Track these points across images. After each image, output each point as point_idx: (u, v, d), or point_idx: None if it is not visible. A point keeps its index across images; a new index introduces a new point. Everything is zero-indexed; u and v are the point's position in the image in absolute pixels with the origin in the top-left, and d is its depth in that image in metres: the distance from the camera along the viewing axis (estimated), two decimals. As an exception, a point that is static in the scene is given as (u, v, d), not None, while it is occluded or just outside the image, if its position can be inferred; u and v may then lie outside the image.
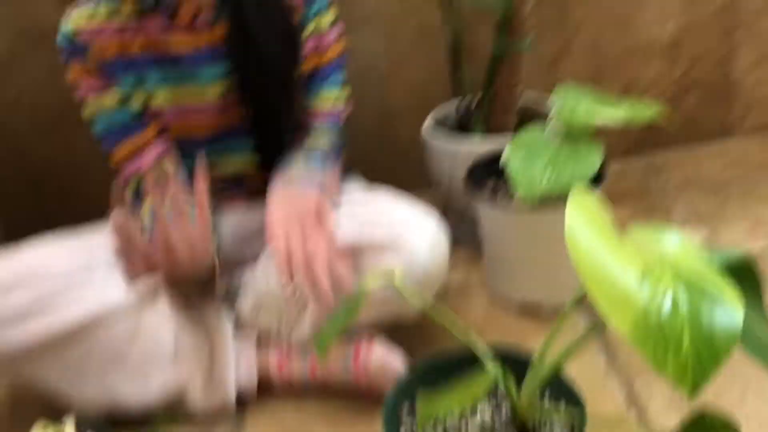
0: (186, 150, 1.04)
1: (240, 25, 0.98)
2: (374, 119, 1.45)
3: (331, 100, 1.06)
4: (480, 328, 1.09)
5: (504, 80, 1.25)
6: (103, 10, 0.98)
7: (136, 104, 1.01)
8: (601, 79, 1.48)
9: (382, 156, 1.48)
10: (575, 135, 0.93)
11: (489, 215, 1.07)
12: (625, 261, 0.51)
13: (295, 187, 0.96)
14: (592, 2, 1.40)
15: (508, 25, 1.20)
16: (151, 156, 1.02)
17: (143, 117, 1.02)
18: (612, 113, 0.92)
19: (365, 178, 1.16)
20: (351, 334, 0.97)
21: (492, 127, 1.30)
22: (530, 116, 1.35)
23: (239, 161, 1.07)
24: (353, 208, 0.99)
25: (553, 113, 0.97)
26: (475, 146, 1.21)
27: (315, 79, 1.05)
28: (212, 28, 0.99)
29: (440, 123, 1.34)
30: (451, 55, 1.30)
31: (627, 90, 1.50)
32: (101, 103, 1.00)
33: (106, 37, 0.98)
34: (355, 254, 0.92)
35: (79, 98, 1.01)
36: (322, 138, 1.05)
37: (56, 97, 1.38)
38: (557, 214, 0.98)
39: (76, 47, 0.98)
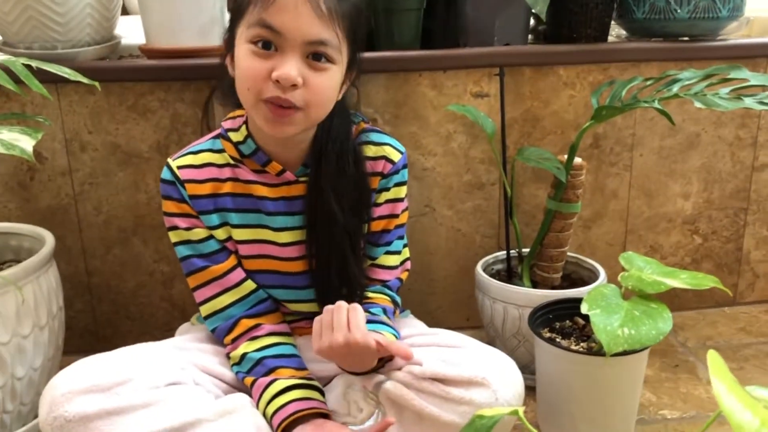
0: (260, 283, 1.13)
1: (317, 188, 1.08)
2: (420, 261, 1.56)
3: (394, 261, 1.16)
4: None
5: (554, 238, 1.39)
6: (206, 154, 1.11)
7: (220, 237, 1.11)
8: (628, 241, 1.64)
9: (421, 297, 1.60)
10: (644, 296, 1.05)
11: (550, 360, 1.16)
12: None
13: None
14: (628, 175, 1.58)
15: (563, 188, 1.35)
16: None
17: (225, 249, 1.11)
18: (677, 281, 1.05)
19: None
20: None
21: (538, 280, 1.43)
22: (569, 272, 1.49)
23: (303, 306, 1.16)
24: (436, 346, 1.08)
25: (620, 277, 1.10)
26: (528, 295, 1.33)
27: (381, 241, 1.15)
28: (294, 184, 1.10)
29: (487, 272, 1.46)
30: (506, 209, 1.44)
31: (650, 253, 1.65)
32: (189, 235, 1.10)
33: (204, 177, 1.09)
34: (443, 383, 1.00)
35: (169, 225, 1.10)
36: (381, 295, 1.15)
37: (130, 214, 1.48)
38: (619, 366, 1.10)
39: (177, 181, 1.08)
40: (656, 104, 1.19)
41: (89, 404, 0.91)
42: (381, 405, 1.04)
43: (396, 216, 1.15)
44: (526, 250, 1.47)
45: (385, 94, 1.46)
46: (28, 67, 1.17)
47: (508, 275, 1.47)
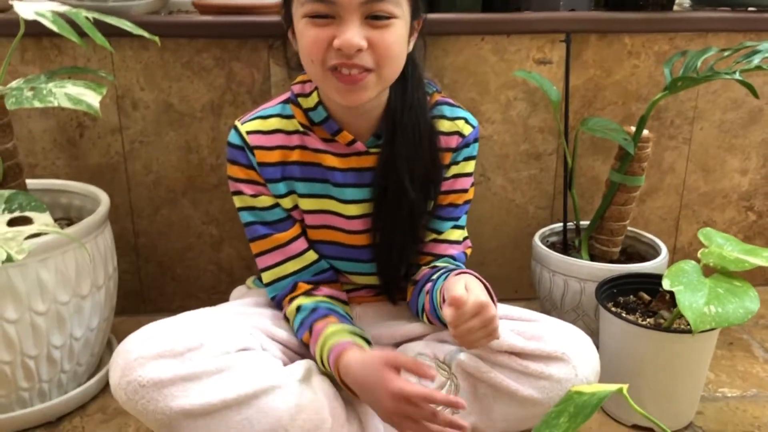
0: (322, 253, 1.10)
1: (391, 160, 1.03)
2: (472, 231, 1.53)
3: (459, 236, 1.13)
4: (600, 444, 1.14)
5: (615, 211, 1.36)
6: (275, 120, 1.06)
7: (286, 206, 1.07)
8: (682, 216, 1.61)
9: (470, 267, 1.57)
10: (726, 274, 1.03)
11: (617, 334, 1.14)
12: None
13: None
14: (686, 149, 1.55)
15: (629, 160, 1.31)
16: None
17: (290, 217, 1.08)
18: (760, 259, 1.02)
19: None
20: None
21: (596, 253, 1.40)
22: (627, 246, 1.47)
23: (364, 278, 1.13)
24: (509, 319, 1.05)
25: (700, 253, 1.07)
26: (591, 269, 1.30)
27: (449, 215, 1.12)
28: (363, 155, 1.06)
29: (545, 243, 1.44)
30: (565, 180, 1.41)
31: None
32: (254, 202, 1.06)
33: (273, 144, 1.05)
34: (520, 357, 0.98)
35: (234, 190, 1.06)
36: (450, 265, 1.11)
37: (180, 175, 1.45)
38: (690, 343, 1.08)
39: (246, 147, 1.04)
40: (737, 76, 1.15)
41: (163, 370, 0.90)
42: (453, 376, 1.02)
43: (465, 191, 1.12)
44: (582, 223, 1.44)
45: (445, 58, 1.41)
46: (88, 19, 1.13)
47: (564, 248, 1.44)
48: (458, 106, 1.11)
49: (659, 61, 1.47)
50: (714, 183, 1.59)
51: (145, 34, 1.16)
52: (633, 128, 1.31)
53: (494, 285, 1.44)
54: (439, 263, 1.12)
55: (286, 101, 1.08)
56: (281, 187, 1.07)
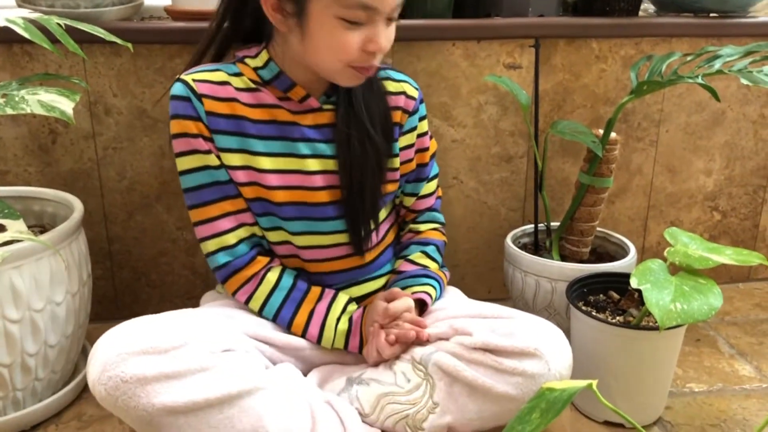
0: (289, 215, 1.10)
1: (351, 111, 1.10)
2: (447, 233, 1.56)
3: (433, 186, 1.26)
4: (572, 440, 1.17)
5: (585, 212, 1.39)
6: (222, 73, 1.07)
7: (232, 162, 1.06)
8: (650, 216, 1.65)
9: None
10: (691, 272, 1.06)
11: (587, 332, 1.17)
12: None
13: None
14: (653, 151, 1.59)
15: (597, 162, 1.34)
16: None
17: (231, 185, 1.07)
18: (724, 257, 1.06)
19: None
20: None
21: (567, 254, 1.43)
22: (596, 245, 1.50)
23: (330, 237, 1.14)
24: (482, 317, 1.08)
25: (666, 252, 1.10)
26: (562, 269, 1.33)
27: (423, 174, 1.23)
28: (318, 112, 1.10)
29: (516, 244, 1.46)
30: (536, 182, 1.44)
31: (670, 229, 1.66)
32: (209, 160, 1.06)
33: (222, 94, 1.05)
34: (494, 354, 1.00)
35: (184, 149, 1.05)
36: (432, 224, 1.27)
37: (154, 180, 1.45)
38: (658, 339, 1.11)
39: (194, 95, 1.03)
40: (700, 80, 1.18)
41: (147, 366, 0.90)
42: (429, 376, 1.04)
43: (427, 148, 1.22)
44: (553, 224, 1.47)
45: (417, 63, 1.43)
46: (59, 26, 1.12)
47: (535, 249, 1.47)
48: (401, 72, 1.20)
49: (626, 65, 1.50)
50: (680, 184, 1.63)
51: (118, 41, 1.16)
52: (601, 131, 1.34)
53: (468, 285, 1.48)
54: (420, 224, 1.26)
55: (230, 63, 1.09)
56: (232, 141, 1.06)
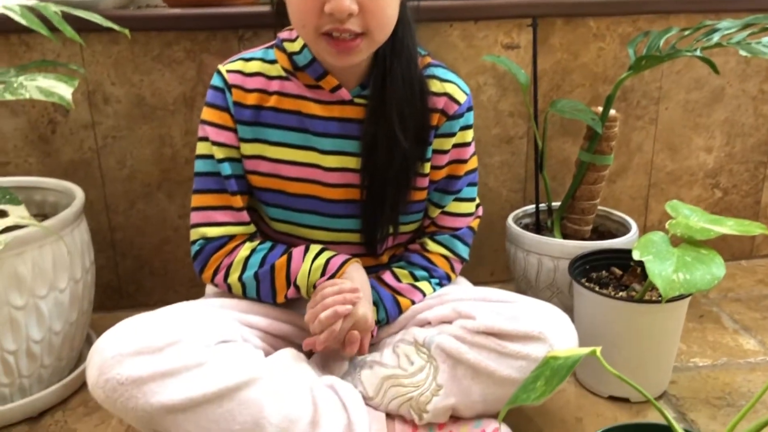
0: (302, 208, 1.09)
1: (381, 110, 1.03)
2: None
3: (466, 209, 1.16)
4: (576, 414, 1.17)
5: (586, 190, 1.39)
6: (257, 63, 1.07)
7: (246, 152, 1.06)
8: (651, 194, 1.65)
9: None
10: (693, 243, 1.06)
11: (590, 308, 1.17)
12: None
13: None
14: (653, 129, 1.58)
15: (597, 140, 1.34)
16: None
17: (232, 181, 1.07)
18: (725, 228, 1.06)
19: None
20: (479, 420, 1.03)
21: (568, 232, 1.43)
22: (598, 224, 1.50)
23: (341, 235, 1.12)
24: (486, 301, 1.07)
25: (668, 224, 1.10)
26: (564, 246, 1.33)
27: (451, 188, 1.14)
28: (348, 105, 1.06)
29: (518, 225, 1.46)
30: (536, 162, 1.44)
31: (671, 208, 1.66)
32: (218, 152, 1.06)
33: (250, 85, 1.05)
34: (498, 337, 1.00)
35: (201, 135, 1.06)
36: (443, 250, 1.16)
37: (155, 168, 1.45)
38: (661, 313, 1.11)
39: (226, 86, 1.05)
40: (699, 53, 1.18)
41: (141, 367, 0.89)
42: (433, 358, 1.03)
43: (464, 161, 1.13)
44: (554, 204, 1.47)
45: (415, 45, 1.43)
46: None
47: (537, 229, 1.47)
48: (451, 71, 1.11)
49: (624, 43, 1.50)
50: (681, 161, 1.63)
51: (115, 27, 1.16)
52: (600, 108, 1.34)
53: (470, 268, 1.48)
54: (432, 243, 1.16)
55: (270, 46, 1.09)
56: (248, 131, 1.06)
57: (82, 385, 1.26)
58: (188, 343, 0.93)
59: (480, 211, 1.20)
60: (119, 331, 0.94)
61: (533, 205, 1.49)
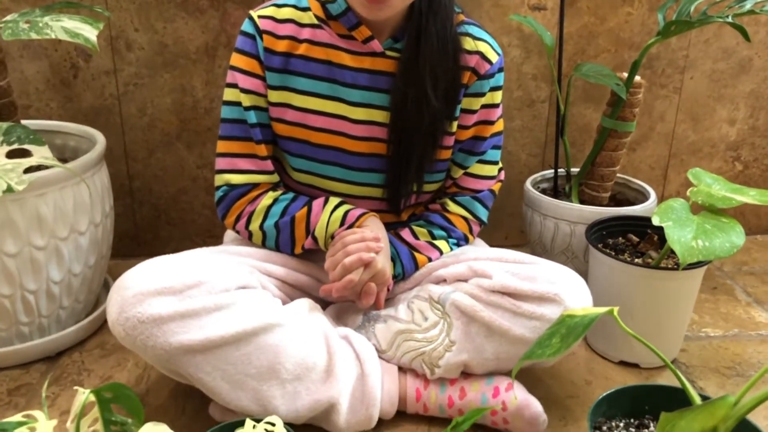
0: (325, 159, 1.09)
1: (414, 65, 1.02)
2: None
3: (489, 171, 1.16)
4: (585, 377, 1.18)
5: (606, 157, 1.38)
6: (289, 9, 1.06)
7: (273, 99, 1.06)
8: (671, 165, 1.63)
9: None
10: (714, 211, 1.06)
11: (606, 273, 1.18)
12: None
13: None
14: (677, 98, 1.57)
15: (621, 106, 1.33)
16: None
17: (258, 130, 1.07)
18: (747, 197, 1.05)
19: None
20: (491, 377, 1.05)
21: (586, 199, 1.43)
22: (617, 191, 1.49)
23: (363, 189, 1.12)
24: (503, 261, 1.07)
25: (689, 191, 1.10)
26: (581, 212, 1.32)
27: (476, 149, 1.13)
28: (380, 57, 1.05)
29: (536, 190, 1.46)
30: (557, 127, 1.43)
31: (690, 179, 1.65)
32: (232, 97, 1.06)
33: (281, 32, 1.04)
34: (513, 297, 1.00)
35: (230, 81, 1.06)
36: (463, 211, 1.16)
37: (175, 118, 1.45)
38: (677, 281, 1.12)
39: (257, 32, 1.04)
40: (730, 19, 1.16)
41: (162, 306, 0.91)
42: (447, 315, 1.04)
43: (491, 123, 1.12)
44: (572, 170, 1.46)
45: (440, 2, 1.41)
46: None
47: (555, 194, 1.46)
48: (485, 30, 1.10)
49: (652, 9, 1.48)
50: (702, 132, 1.61)
51: (141, -29, 1.16)
52: (625, 74, 1.33)
53: (485, 231, 1.48)
54: (453, 204, 1.16)
55: None
56: (276, 78, 1.05)
57: (99, 328, 1.28)
58: (209, 286, 0.95)
59: (502, 176, 1.19)
60: (141, 270, 0.95)
61: (551, 170, 1.48)
